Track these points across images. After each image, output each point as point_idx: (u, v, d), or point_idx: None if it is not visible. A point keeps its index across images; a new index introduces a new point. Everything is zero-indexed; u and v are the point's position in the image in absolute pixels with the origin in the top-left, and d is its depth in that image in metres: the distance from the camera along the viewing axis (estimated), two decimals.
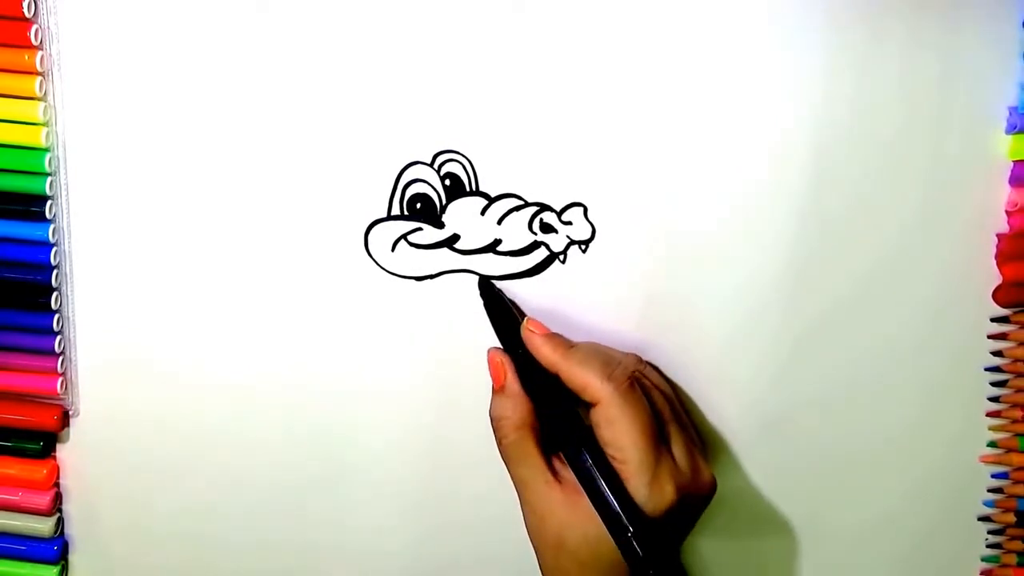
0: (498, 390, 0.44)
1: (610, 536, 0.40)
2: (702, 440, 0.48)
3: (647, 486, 0.40)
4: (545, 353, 0.43)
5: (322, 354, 0.48)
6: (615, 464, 0.41)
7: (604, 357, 0.43)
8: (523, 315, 0.46)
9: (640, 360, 0.45)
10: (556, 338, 0.44)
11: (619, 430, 0.40)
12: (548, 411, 0.43)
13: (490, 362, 0.44)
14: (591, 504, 0.41)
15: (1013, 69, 0.44)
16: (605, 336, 0.47)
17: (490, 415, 0.44)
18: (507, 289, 0.47)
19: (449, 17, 0.44)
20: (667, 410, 0.43)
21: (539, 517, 0.42)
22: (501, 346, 0.45)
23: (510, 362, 0.44)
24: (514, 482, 0.43)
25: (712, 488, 0.43)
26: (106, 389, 0.49)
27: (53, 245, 0.47)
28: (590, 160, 0.45)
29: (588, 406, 0.42)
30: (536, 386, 0.43)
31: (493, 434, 0.44)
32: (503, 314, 0.45)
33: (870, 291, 0.46)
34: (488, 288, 0.46)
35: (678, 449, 0.42)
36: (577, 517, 0.41)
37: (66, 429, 0.50)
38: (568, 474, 0.42)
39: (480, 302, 0.46)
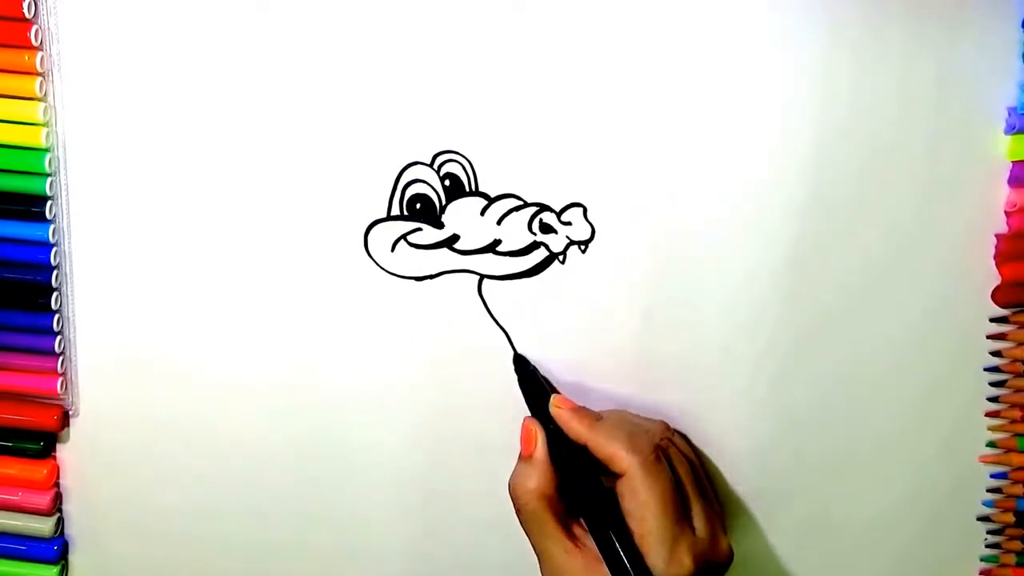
0: (526, 457, 0.45)
1: None
2: (722, 506, 0.48)
3: (666, 560, 0.41)
4: (573, 427, 0.44)
5: (322, 354, 0.48)
6: (636, 535, 0.41)
7: (630, 428, 0.44)
8: (554, 390, 0.47)
9: (667, 428, 0.46)
10: (583, 411, 0.45)
11: (642, 502, 0.41)
12: (575, 480, 0.44)
13: (524, 430, 0.45)
14: (610, 574, 0.41)
15: (1012, 70, 0.44)
16: (605, 336, 0.47)
17: (510, 483, 0.44)
18: (510, 297, 0.47)
19: (449, 17, 0.44)
20: (690, 480, 0.44)
21: None
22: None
23: (542, 432, 0.45)
24: (534, 549, 0.44)
25: (730, 557, 0.44)
26: (106, 389, 0.49)
27: (53, 245, 0.47)
28: (590, 160, 0.45)
29: (615, 476, 0.43)
30: (564, 457, 0.44)
31: (512, 501, 0.44)
32: (536, 390, 0.46)
33: (869, 292, 0.47)
34: (523, 365, 0.47)
35: (698, 519, 0.43)
36: None
37: (66, 429, 0.50)
38: (588, 542, 0.43)
39: (514, 373, 0.47)
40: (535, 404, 0.46)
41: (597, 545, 0.42)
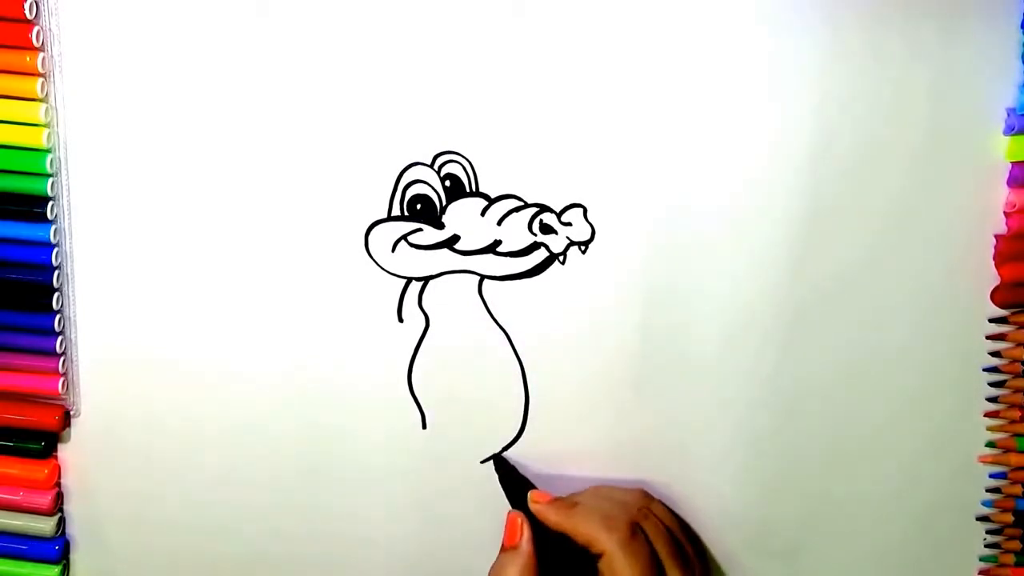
0: (510, 547, 0.46)
1: None
2: (705, 564, 0.49)
3: None
4: (551, 518, 0.46)
5: (322, 354, 0.48)
6: None
7: (605, 509, 0.45)
8: (532, 485, 0.48)
9: (644, 496, 0.47)
10: (560, 502, 0.46)
11: None
12: (559, 568, 0.45)
13: (509, 522, 0.47)
14: None
15: (1011, 70, 0.44)
16: (604, 337, 0.47)
17: (491, 571, 0.46)
18: (510, 298, 0.47)
19: (449, 19, 0.44)
20: (667, 549, 0.45)
21: None
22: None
23: (528, 524, 0.46)
24: None
25: None
26: (107, 389, 0.50)
27: (54, 246, 0.47)
28: (590, 161, 0.45)
29: (597, 557, 0.44)
30: (548, 545, 0.45)
31: None
32: (516, 485, 0.48)
33: (868, 293, 0.47)
34: (502, 464, 0.49)
35: None
36: None
37: (67, 429, 0.50)
38: None
39: (496, 472, 0.49)
40: (516, 499, 0.47)
41: None
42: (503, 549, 0.46)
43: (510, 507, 0.47)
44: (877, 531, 0.50)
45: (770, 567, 0.51)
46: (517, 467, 0.49)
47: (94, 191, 0.47)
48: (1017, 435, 0.48)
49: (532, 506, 0.46)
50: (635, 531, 0.44)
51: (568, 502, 0.46)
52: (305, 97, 0.45)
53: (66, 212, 0.47)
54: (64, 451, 0.51)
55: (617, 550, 0.43)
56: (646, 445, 0.49)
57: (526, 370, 0.48)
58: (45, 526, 0.51)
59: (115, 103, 0.45)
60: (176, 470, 0.51)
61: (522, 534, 0.46)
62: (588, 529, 0.44)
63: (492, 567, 0.46)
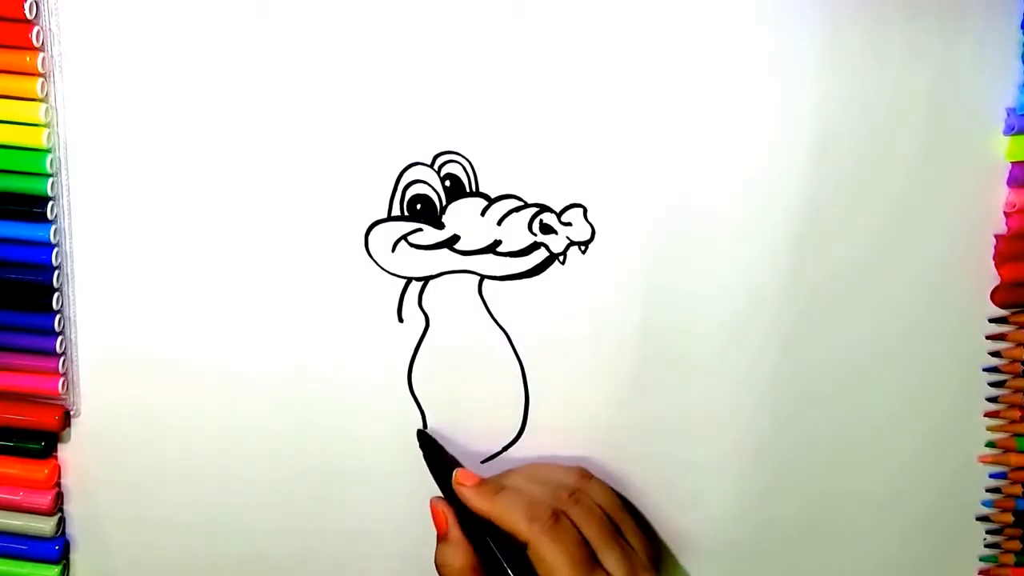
0: (441, 538, 0.45)
1: None
2: (651, 541, 0.48)
3: None
4: (475, 503, 0.45)
5: (322, 354, 0.48)
6: None
7: (530, 495, 0.45)
8: (458, 463, 0.47)
9: (582, 476, 0.47)
10: (484, 486, 0.45)
11: (549, 566, 0.42)
12: (487, 554, 0.44)
13: (433, 512, 0.46)
14: None
15: (1011, 70, 0.44)
16: (604, 337, 0.47)
17: (435, 562, 0.45)
18: (510, 298, 0.47)
19: (449, 19, 0.44)
20: (600, 532, 0.44)
21: None
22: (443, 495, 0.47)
23: (451, 511, 0.45)
24: None
25: None
26: (107, 389, 0.50)
27: (54, 246, 0.47)
28: (590, 161, 0.45)
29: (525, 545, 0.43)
30: (477, 530, 0.45)
31: None
32: (442, 465, 0.47)
33: (868, 293, 0.47)
34: (426, 440, 0.48)
35: (614, 566, 0.44)
36: None
37: (67, 429, 0.50)
38: None
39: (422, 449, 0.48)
40: (442, 480, 0.47)
41: None
42: (438, 540, 0.46)
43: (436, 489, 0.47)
44: (877, 531, 0.50)
45: (771, 567, 0.51)
46: (443, 444, 0.48)
47: (94, 191, 0.47)
48: (1017, 435, 0.48)
49: (455, 487, 0.45)
50: (558, 518, 0.43)
51: (494, 486, 0.45)
52: (305, 97, 0.45)
53: (66, 212, 0.47)
54: (64, 451, 0.51)
55: (541, 539, 0.42)
56: (646, 445, 0.49)
57: (526, 370, 0.48)
58: (45, 526, 0.51)
59: (115, 103, 0.45)
60: (176, 470, 0.51)
61: (448, 522, 0.45)
62: (511, 517, 0.43)
63: (435, 558, 0.45)
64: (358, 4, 0.44)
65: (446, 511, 0.45)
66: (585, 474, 0.47)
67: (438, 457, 0.47)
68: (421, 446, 0.48)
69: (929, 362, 0.48)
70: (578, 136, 0.45)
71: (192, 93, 0.45)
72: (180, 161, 0.46)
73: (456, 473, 0.46)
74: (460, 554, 0.45)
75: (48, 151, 0.46)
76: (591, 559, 0.43)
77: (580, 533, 0.44)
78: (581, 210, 0.46)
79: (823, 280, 0.46)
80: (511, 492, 0.45)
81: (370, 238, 0.47)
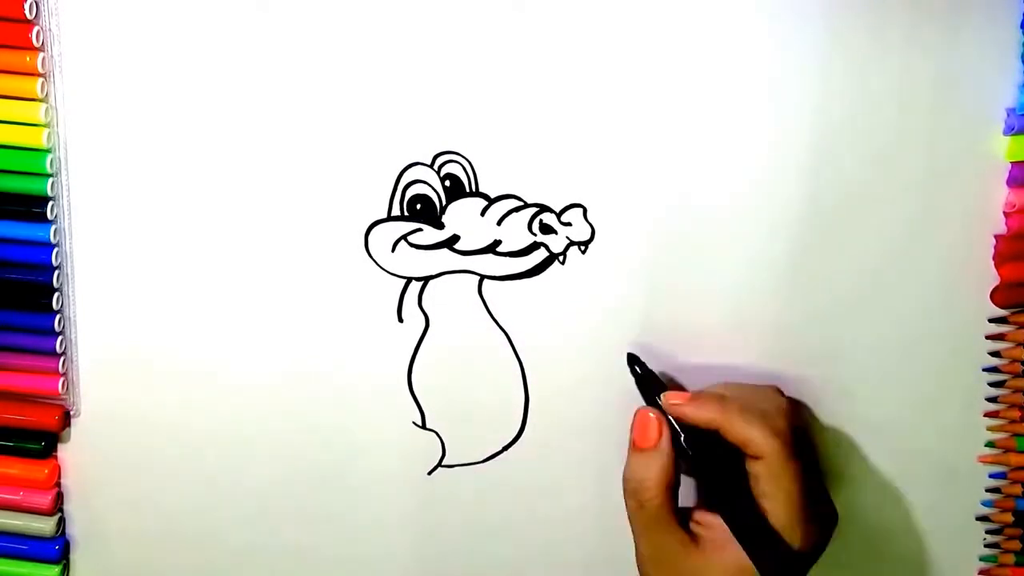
0: (647, 448, 0.43)
1: None
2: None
3: (802, 538, 0.41)
4: (699, 415, 0.43)
5: (323, 354, 0.48)
6: (771, 515, 0.41)
7: (761, 409, 0.43)
8: (664, 387, 0.46)
9: (781, 394, 0.45)
10: (703, 397, 0.44)
11: (782, 484, 0.41)
12: (705, 467, 0.43)
13: (641, 421, 0.44)
14: (741, 557, 0.41)
15: (1011, 70, 0.44)
16: (604, 337, 0.47)
17: (627, 476, 0.44)
18: (510, 298, 0.47)
19: (449, 18, 0.44)
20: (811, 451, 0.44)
21: None
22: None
23: (666, 421, 0.44)
24: (645, 547, 0.43)
25: (836, 518, 0.45)
26: (107, 389, 0.50)
27: (54, 246, 0.47)
28: (590, 161, 0.45)
29: (744, 456, 0.42)
30: (692, 444, 0.43)
31: (626, 498, 0.43)
32: (650, 386, 0.45)
33: (868, 292, 0.47)
34: (635, 361, 0.46)
35: (818, 486, 0.44)
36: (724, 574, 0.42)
37: (67, 429, 0.50)
38: (704, 532, 0.43)
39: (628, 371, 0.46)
40: (648, 398, 0.45)
41: (734, 531, 0.41)
42: (635, 450, 0.44)
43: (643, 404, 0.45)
44: (877, 531, 0.50)
45: None
46: (652, 370, 0.46)
47: (94, 191, 0.47)
48: (1017, 435, 0.48)
49: (670, 409, 0.43)
50: (797, 436, 0.42)
51: (715, 395, 0.43)
52: (305, 97, 0.45)
53: (66, 212, 0.47)
54: (64, 451, 0.51)
55: (780, 454, 0.41)
56: None
57: (526, 370, 0.48)
58: (45, 526, 0.51)
59: (115, 103, 0.45)
60: (176, 470, 0.51)
61: (663, 432, 0.43)
62: (747, 429, 0.41)
63: (626, 471, 0.44)
64: (358, 4, 0.44)
65: (661, 420, 0.43)
66: (781, 393, 0.45)
67: (647, 379, 0.46)
68: (631, 369, 0.46)
69: (929, 362, 0.48)
70: (578, 136, 0.45)
71: (192, 93, 0.45)
72: (180, 161, 0.46)
73: (665, 396, 0.44)
74: (662, 467, 0.43)
75: (48, 151, 0.46)
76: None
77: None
78: (581, 210, 0.46)
79: (823, 280, 0.46)
80: (740, 403, 0.43)
81: (370, 238, 0.47)
